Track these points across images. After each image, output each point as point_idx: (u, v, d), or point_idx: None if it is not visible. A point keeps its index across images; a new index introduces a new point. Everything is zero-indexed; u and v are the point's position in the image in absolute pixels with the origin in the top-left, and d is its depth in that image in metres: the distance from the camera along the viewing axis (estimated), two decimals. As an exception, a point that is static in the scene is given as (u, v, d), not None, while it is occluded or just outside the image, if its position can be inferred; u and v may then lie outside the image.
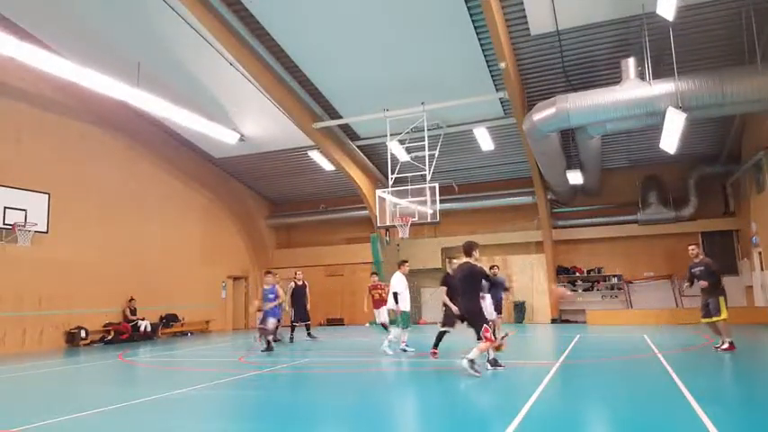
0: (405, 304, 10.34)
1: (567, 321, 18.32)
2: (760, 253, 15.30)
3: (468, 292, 7.57)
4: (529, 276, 18.98)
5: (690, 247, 9.65)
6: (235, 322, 21.04)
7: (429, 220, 13.55)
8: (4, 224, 12.77)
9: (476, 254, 7.82)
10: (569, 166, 16.08)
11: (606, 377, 7.44)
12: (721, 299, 9.14)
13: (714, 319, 9.19)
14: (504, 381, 7.42)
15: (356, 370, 8.92)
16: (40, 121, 14.24)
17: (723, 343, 9.29)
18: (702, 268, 9.34)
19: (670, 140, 11.21)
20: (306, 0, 11.62)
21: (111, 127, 16.16)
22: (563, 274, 18.89)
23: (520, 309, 18.54)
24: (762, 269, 15.35)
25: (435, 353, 9.28)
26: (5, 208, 12.79)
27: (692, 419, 4.62)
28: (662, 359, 8.49)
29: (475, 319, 7.46)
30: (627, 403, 5.62)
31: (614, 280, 18.53)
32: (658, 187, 17.89)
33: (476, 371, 7.14)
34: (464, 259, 7.78)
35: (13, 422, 5.21)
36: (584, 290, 18.76)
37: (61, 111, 14.79)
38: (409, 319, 10.70)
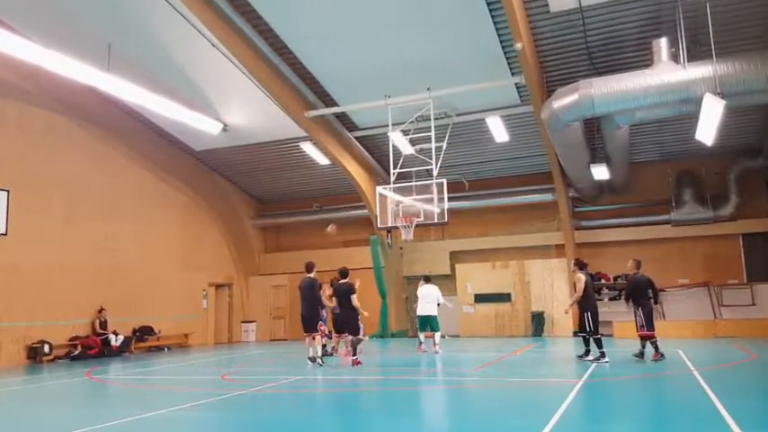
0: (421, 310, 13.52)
1: (592, 334, 18.28)
2: (809, 257, 15.27)
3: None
4: (548, 284, 18.94)
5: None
6: (217, 336, 21.03)
7: (436, 221, 13.51)
8: (-43, 225, 12.77)
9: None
10: (593, 160, 16.04)
11: (635, 397, 7.41)
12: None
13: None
14: (522, 400, 7.40)
15: (354, 389, 8.90)
16: (0, 109, 14.26)
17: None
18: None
19: (707, 131, 11.17)
20: (297, -27, 11.61)
21: (79, 116, 16.15)
22: (587, 281, 18.84)
23: (538, 320, 18.50)
24: (811, 276, 15.32)
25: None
26: (-41, 207, 12.80)
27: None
28: (698, 377, 8.46)
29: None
30: (659, 428, 5.59)
31: (644, 288, 18.47)
32: (694, 184, 17.85)
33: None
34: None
35: (-33, 448, 5.20)
36: (611, 299, 18.69)
37: (23, 98, 14.78)
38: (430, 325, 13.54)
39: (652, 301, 10.94)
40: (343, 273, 11.63)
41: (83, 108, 16.19)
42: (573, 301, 10.99)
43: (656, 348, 10.67)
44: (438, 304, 13.81)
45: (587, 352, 10.91)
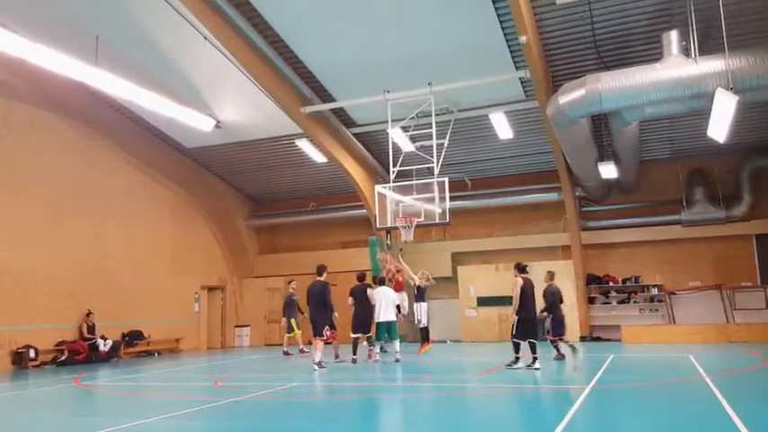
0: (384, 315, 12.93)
1: (599, 339, 18.30)
2: (824, 259, 15.29)
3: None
4: (554, 286, 18.92)
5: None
6: (210, 341, 21.02)
7: (437, 221, 13.53)
8: (-61, 225, 12.76)
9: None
10: (601, 158, 16.06)
11: (644, 405, 7.41)
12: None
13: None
14: (527, 408, 7.40)
15: (352, 396, 8.91)
16: (-17, 105, 14.24)
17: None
18: None
19: (719, 127, 11.16)
20: (293, -37, 11.61)
21: (66, 113, 16.13)
22: (594, 283, 18.86)
23: (543, 325, 18.47)
24: (827, 278, 15.34)
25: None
26: (-59, 206, 12.78)
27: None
28: (710, 383, 8.47)
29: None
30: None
31: (654, 291, 18.47)
32: (705, 182, 17.86)
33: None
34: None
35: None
36: (619, 302, 18.72)
37: (8, 94, 14.76)
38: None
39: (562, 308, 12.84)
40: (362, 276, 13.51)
41: (70, 104, 16.17)
42: (513, 310, 10.94)
43: (558, 350, 12.48)
44: (399, 309, 13.77)
45: (517, 359, 10.82)
